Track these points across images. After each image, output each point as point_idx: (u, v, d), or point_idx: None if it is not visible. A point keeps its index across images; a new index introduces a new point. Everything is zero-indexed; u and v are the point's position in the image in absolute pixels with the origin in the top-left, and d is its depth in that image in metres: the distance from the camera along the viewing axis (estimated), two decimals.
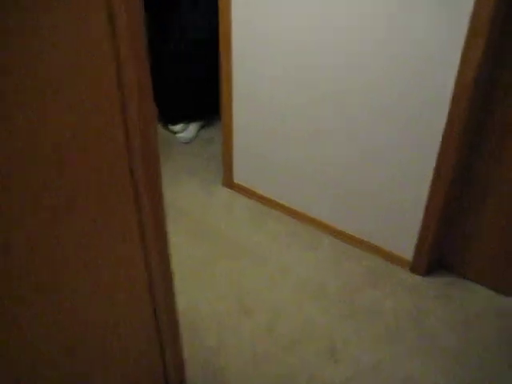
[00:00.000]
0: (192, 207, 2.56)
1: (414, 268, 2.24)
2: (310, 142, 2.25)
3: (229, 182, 2.65)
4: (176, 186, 2.68)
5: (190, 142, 3.00)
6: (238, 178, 2.60)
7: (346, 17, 1.89)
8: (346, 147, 2.16)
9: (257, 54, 2.20)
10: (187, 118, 2.99)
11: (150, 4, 2.59)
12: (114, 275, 1.13)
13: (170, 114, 3.00)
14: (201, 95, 2.94)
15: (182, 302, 2.08)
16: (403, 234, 2.21)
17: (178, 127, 2.99)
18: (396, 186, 2.11)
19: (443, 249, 2.22)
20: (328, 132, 2.18)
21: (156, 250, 1.30)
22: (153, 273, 1.31)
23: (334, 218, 2.38)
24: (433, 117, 1.88)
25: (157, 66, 2.84)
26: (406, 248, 2.23)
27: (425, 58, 1.80)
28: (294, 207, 2.48)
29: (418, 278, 2.23)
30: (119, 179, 1.04)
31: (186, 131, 3.00)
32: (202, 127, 3.08)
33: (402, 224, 2.18)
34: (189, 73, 2.80)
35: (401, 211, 2.15)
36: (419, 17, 1.74)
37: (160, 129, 3.07)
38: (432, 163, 1.96)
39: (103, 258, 1.07)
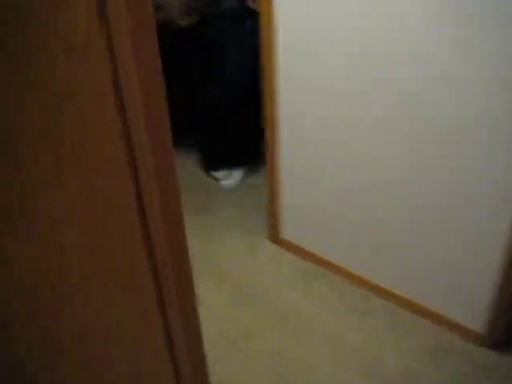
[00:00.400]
0: (233, 264, 2.35)
1: (488, 343, 1.94)
2: (365, 196, 2.02)
3: (275, 237, 2.43)
4: (216, 239, 2.49)
5: (233, 189, 2.81)
6: (285, 233, 2.38)
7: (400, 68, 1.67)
8: (406, 203, 1.91)
9: (303, 102, 1.99)
10: (230, 164, 2.81)
11: (187, 54, 2.49)
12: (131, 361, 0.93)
13: (212, 160, 2.83)
14: (244, 140, 2.77)
15: (218, 372, 1.87)
16: (474, 301, 1.93)
17: (220, 174, 2.82)
18: (465, 244, 1.84)
19: None
20: (384, 185, 1.94)
21: (182, 327, 1.09)
22: (178, 357, 1.10)
23: (391, 282, 2.12)
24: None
25: (198, 112, 2.70)
26: (478, 318, 1.94)
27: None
28: (347, 267, 2.23)
29: (492, 356, 1.93)
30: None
31: (230, 178, 2.82)
32: (247, 173, 2.89)
33: (471, 289, 1.91)
34: (231, 118, 2.63)
35: (470, 273, 1.88)
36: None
37: (202, 176, 2.90)
38: (509, 215, 1.69)
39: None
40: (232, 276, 2.29)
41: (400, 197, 1.92)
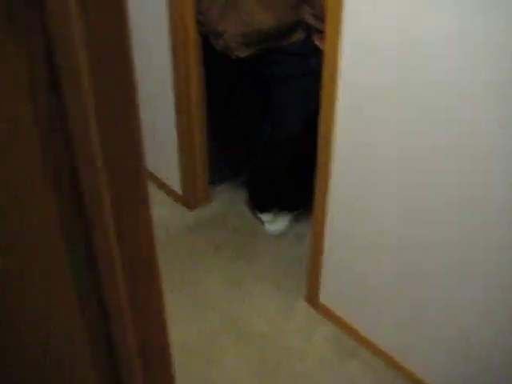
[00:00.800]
0: (261, 324, 2.11)
1: None
2: (418, 273, 1.73)
3: (312, 300, 2.17)
4: (248, 291, 2.25)
5: (278, 235, 2.58)
6: (325, 297, 2.12)
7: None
8: (477, 275, 1.61)
9: (359, 161, 1.75)
10: (278, 208, 2.58)
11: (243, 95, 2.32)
12: None
13: (260, 201, 2.61)
14: (296, 184, 2.54)
15: None
16: None
17: (266, 217, 2.59)
18: None
19: None
20: (445, 251, 1.64)
21: None
22: None
23: (439, 379, 1.81)
24: None
25: (253, 149, 2.51)
26: None
27: None
28: (389, 352, 1.93)
29: None
30: None
31: (275, 223, 2.58)
32: (295, 219, 2.65)
33: None
34: (284, 160, 2.41)
35: None
36: None
37: (248, 216, 2.69)
38: None
39: None
40: (257, 338, 2.05)
41: (466, 268, 1.62)
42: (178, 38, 2.25)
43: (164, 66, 2.39)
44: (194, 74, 2.37)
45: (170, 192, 2.79)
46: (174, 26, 2.24)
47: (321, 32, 1.86)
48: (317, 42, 1.94)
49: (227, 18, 1.96)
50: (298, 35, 1.95)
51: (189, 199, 2.73)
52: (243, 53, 2.01)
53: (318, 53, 1.95)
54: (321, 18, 1.82)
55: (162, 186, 2.82)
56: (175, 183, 2.74)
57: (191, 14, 2.18)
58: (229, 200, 2.80)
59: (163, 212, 2.71)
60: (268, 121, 2.35)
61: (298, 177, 2.56)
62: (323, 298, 2.12)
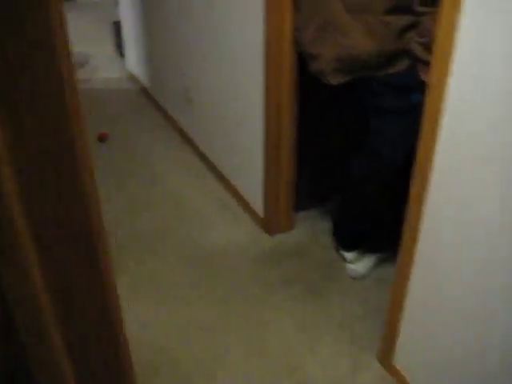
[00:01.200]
0: (325, 379, 1.90)
1: None
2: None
3: (385, 360, 1.93)
4: (314, 339, 2.05)
5: (360, 277, 2.35)
6: (400, 360, 1.87)
7: None
8: None
9: (456, 208, 1.49)
10: (364, 248, 2.36)
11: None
12: None
13: (344, 238, 2.39)
14: (385, 225, 2.30)
15: None
16: None
17: (350, 255, 2.37)
18: None
19: None
20: None
21: None
22: None
23: None
24: None
25: (343, 181, 2.31)
26: None
27: None
28: None
29: None
30: None
31: (359, 263, 2.36)
32: (380, 262, 2.41)
33: None
34: (375, 198, 2.18)
35: None
36: None
37: (331, 250, 2.49)
38: None
39: None
40: None
41: None
42: (272, 52, 2.11)
43: (256, 84, 2.27)
44: (285, 93, 2.21)
45: (251, 213, 2.66)
46: (268, 40, 2.10)
47: (428, 64, 1.63)
48: (422, 75, 1.70)
49: (323, 41, 1.79)
50: (401, 65, 1.72)
51: (270, 224, 2.58)
52: (336, 79, 1.82)
53: (422, 87, 1.71)
54: (430, 48, 1.60)
55: (245, 206, 2.70)
56: (258, 205, 2.60)
57: (287, 30, 2.03)
58: (311, 229, 2.62)
59: (241, 234, 2.58)
60: (359, 156, 2.14)
61: (390, 211, 2.32)
62: (398, 360, 1.88)
